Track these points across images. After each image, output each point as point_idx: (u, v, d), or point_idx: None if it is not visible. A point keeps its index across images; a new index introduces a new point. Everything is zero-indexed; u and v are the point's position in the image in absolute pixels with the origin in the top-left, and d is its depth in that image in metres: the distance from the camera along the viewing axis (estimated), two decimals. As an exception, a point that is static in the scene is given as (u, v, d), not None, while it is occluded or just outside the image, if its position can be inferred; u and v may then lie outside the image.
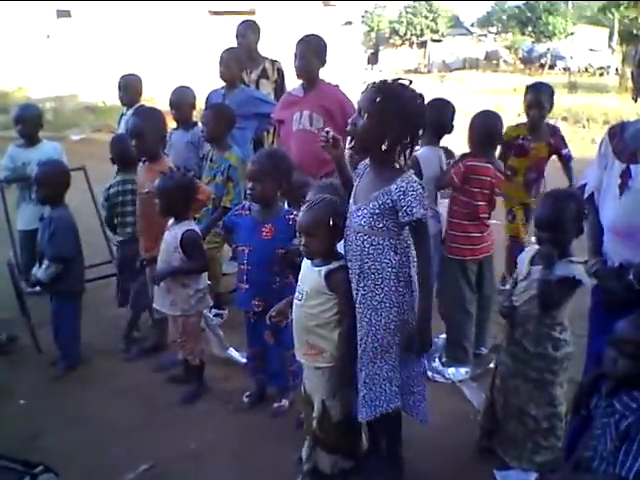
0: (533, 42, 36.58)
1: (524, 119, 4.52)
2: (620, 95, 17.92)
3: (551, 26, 35.51)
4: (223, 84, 4.68)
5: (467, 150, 3.58)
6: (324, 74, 4.09)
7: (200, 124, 4.20)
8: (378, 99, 2.27)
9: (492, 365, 3.54)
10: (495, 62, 33.54)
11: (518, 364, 2.67)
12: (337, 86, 4.15)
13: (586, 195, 2.52)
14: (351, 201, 2.46)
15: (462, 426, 3.04)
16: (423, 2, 41.37)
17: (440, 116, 3.57)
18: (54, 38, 18.34)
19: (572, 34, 36.31)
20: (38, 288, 3.65)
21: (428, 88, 7.04)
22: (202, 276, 3.31)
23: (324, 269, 2.45)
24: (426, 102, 2.42)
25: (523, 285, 2.65)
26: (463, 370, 3.55)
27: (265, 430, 3.07)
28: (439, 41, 40.37)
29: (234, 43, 5.00)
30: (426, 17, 41.05)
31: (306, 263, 2.55)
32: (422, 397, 2.51)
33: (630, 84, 2.45)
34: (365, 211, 2.34)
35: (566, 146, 4.47)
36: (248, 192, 3.03)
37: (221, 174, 3.97)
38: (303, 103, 4.03)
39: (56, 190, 3.62)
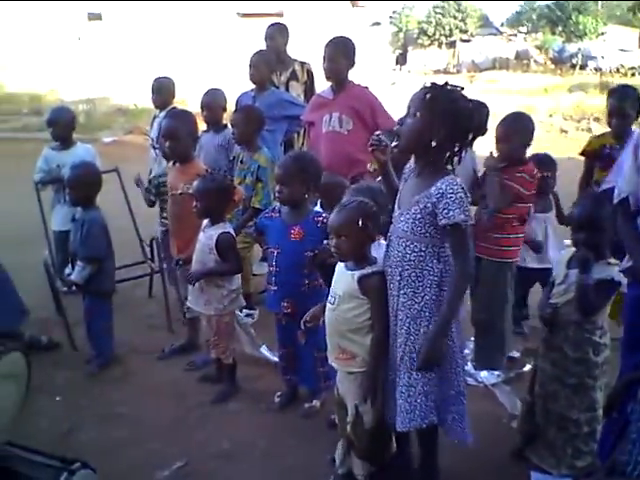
0: (564, 42, 36.02)
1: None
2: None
3: (581, 26, 34.98)
4: (253, 86, 4.72)
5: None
6: (352, 75, 4.08)
7: (230, 126, 4.23)
8: (428, 96, 2.23)
9: (525, 369, 3.53)
10: (526, 62, 33.03)
11: (557, 369, 2.64)
12: (366, 87, 4.14)
13: (616, 200, 2.46)
14: (395, 206, 2.41)
15: (495, 430, 3.00)
16: (452, 2, 41.15)
17: None
18: (85, 41, 18.67)
19: (603, 34, 35.72)
20: (74, 288, 3.73)
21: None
22: (235, 277, 3.33)
23: (357, 273, 2.42)
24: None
25: (562, 289, 2.63)
26: (496, 373, 3.51)
27: (296, 430, 3.08)
28: (468, 41, 39.93)
29: (263, 45, 5.04)
30: (455, 17, 40.83)
31: (340, 267, 2.52)
32: (461, 417, 2.37)
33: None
34: (407, 216, 2.28)
35: None
36: (277, 194, 3.04)
37: (250, 175, 4.01)
38: (333, 105, 4.03)
39: (88, 192, 3.67)
